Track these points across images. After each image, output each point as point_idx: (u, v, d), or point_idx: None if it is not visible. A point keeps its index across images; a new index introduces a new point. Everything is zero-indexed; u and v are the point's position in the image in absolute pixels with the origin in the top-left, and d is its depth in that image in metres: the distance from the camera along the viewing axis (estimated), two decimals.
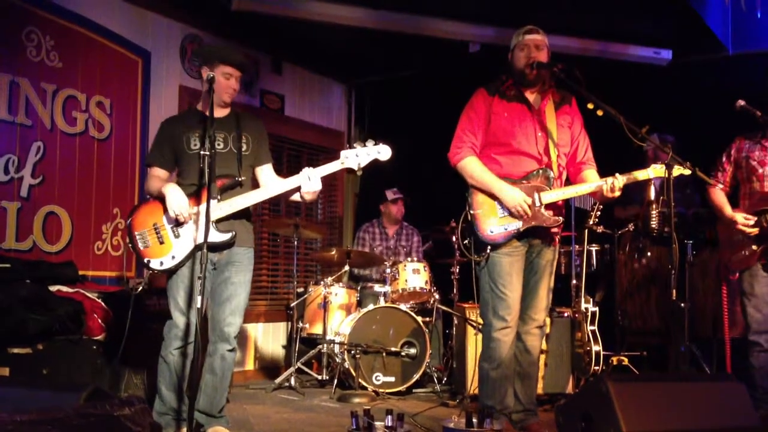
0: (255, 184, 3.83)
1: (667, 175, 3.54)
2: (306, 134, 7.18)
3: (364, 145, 3.63)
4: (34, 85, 4.90)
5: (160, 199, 3.61)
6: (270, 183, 3.77)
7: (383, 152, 3.65)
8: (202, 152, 3.42)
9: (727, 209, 4.36)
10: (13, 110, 4.79)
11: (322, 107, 7.44)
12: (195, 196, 3.59)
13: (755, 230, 4.21)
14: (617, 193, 3.71)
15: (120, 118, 5.42)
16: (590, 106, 3.68)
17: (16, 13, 4.84)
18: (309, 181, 3.59)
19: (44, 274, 4.48)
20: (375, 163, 3.65)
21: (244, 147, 3.75)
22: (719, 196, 4.44)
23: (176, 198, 3.52)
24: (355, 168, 3.63)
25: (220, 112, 3.73)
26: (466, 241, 3.88)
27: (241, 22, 6.00)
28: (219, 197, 3.57)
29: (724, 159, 4.48)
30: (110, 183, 5.32)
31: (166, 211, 3.57)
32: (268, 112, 6.77)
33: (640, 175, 3.75)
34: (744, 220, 4.24)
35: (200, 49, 3.84)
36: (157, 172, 3.73)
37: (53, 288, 4.40)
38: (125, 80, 5.50)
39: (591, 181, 3.82)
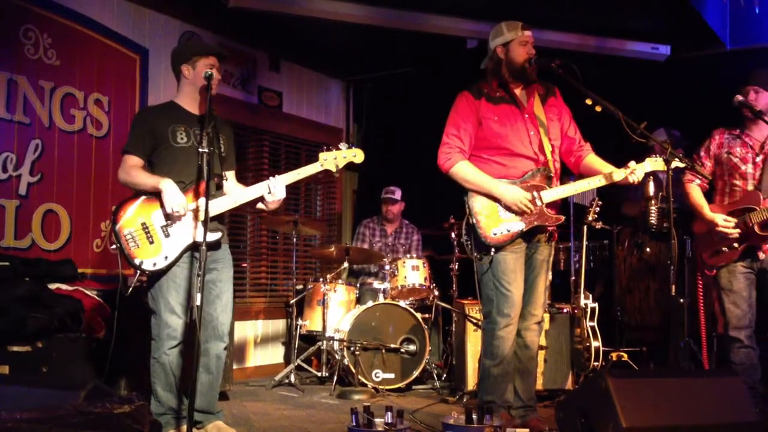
0: None
1: (666, 171, 3.55)
2: (304, 131, 7.18)
3: (339, 149, 3.74)
4: (31, 83, 4.90)
5: (146, 194, 3.55)
6: (233, 191, 3.76)
7: (358, 155, 3.78)
8: (200, 149, 3.40)
9: (706, 210, 4.25)
10: (11, 108, 4.78)
11: (320, 104, 7.43)
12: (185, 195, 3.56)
13: (736, 232, 4.12)
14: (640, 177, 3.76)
15: (118, 115, 5.42)
16: (589, 102, 3.67)
17: (13, 11, 4.83)
18: (270, 193, 3.60)
19: (43, 272, 4.47)
20: (350, 165, 3.82)
21: (222, 148, 3.74)
22: (697, 193, 4.34)
23: (175, 195, 3.48)
24: (333, 170, 3.73)
25: (198, 110, 3.74)
26: (467, 241, 3.85)
27: (239, 20, 6.00)
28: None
29: (702, 153, 4.37)
30: (108, 180, 5.30)
31: (155, 208, 3.53)
32: (266, 110, 6.76)
33: (639, 168, 3.76)
34: (724, 223, 4.15)
35: (174, 51, 3.82)
36: (135, 161, 3.62)
37: (52, 286, 4.40)
38: (123, 77, 5.50)
39: (598, 166, 3.84)
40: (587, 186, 3.83)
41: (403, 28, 5.95)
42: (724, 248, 4.19)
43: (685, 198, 4.39)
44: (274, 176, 3.65)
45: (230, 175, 3.87)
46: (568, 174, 4.16)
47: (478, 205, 3.76)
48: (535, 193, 3.73)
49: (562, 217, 3.79)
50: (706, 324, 4.99)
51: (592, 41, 6.16)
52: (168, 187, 3.48)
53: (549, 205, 3.76)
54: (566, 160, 4.00)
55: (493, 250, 3.72)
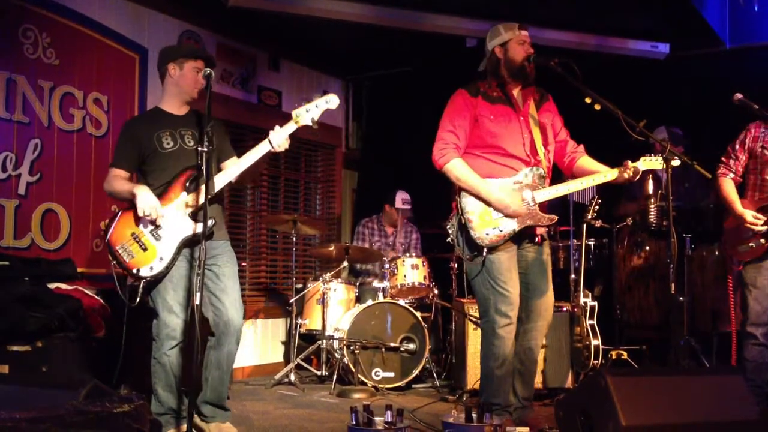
0: None
1: (665, 169, 3.55)
2: (303, 130, 7.11)
3: (311, 100, 3.67)
4: (31, 83, 4.89)
5: (128, 201, 3.58)
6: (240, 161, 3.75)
7: (331, 101, 3.70)
8: (199, 149, 3.43)
9: (737, 205, 4.23)
10: (10, 108, 4.78)
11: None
12: (167, 194, 3.58)
13: (764, 228, 4.12)
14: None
15: (117, 114, 5.41)
16: (588, 100, 3.67)
17: (12, 11, 4.82)
18: (276, 137, 3.62)
19: (43, 272, 4.47)
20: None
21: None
22: (731, 188, 4.29)
23: (147, 198, 3.49)
24: (310, 123, 3.67)
25: (181, 110, 3.77)
26: (457, 239, 3.85)
27: (238, 19, 6.00)
28: (187, 190, 3.58)
29: (737, 146, 4.32)
30: None
31: (139, 217, 3.54)
32: (265, 109, 6.76)
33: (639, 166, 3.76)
34: (753, 219, 4.13)
35: (163, 50, 3.82)
36: (117, 173, 3.67)
37: (52, 285, 4.39)
38: (122, 77, 5.49)
39: (591, 168, 3.85)
40: (580, 185, 3.84)
41: (403, 27, 5.94)
42: (751, 244, 4.19)
43: (717, 191, 4.36)
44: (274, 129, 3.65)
45: (232, 162, 3.86)
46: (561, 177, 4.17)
47: (470, 204, 3.75)
48: (528, 193, 3.73)
49: (555, 218, 3.79)
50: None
51: (591, 40, 6.16)
52: (140, 191, 3.50)
53: (541, 206, 3.77)
54: (559, 162, 4.01)
55: (485, 250, 3.71)
